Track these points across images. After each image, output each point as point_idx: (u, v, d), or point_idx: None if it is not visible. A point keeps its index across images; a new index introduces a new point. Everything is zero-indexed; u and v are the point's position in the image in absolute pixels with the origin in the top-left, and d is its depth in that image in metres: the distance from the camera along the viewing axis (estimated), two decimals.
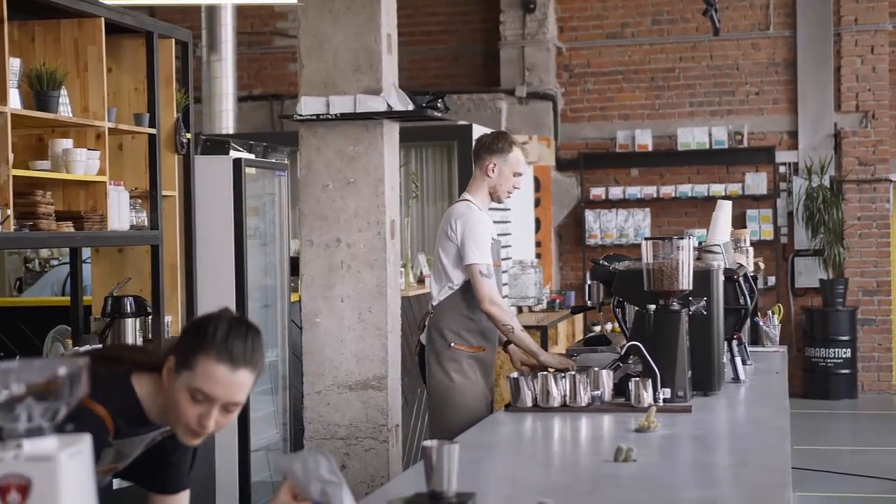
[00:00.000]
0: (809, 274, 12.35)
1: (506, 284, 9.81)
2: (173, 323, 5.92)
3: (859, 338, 12.22)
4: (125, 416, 2.59)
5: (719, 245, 5.12)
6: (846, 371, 12.04)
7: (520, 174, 5.30)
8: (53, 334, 5.90)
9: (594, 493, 2.93)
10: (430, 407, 5.31)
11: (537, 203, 12.28)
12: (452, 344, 5.17)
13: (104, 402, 2.56)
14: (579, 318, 11.36)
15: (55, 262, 8.66)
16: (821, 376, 12.02)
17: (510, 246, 10.63)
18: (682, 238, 4.39)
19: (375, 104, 5.79)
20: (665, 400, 4.18)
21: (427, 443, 2.67)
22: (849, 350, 12.03)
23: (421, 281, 7.81)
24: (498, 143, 5.29)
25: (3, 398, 1.80)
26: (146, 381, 2.63)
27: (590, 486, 3.01)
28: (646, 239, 4.43)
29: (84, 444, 1.83)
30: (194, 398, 2.50)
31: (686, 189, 12.53)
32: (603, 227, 12.75)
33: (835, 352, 12.00)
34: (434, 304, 5.27)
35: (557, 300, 11.33)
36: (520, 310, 10.16)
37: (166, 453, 2.77)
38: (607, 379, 4.28)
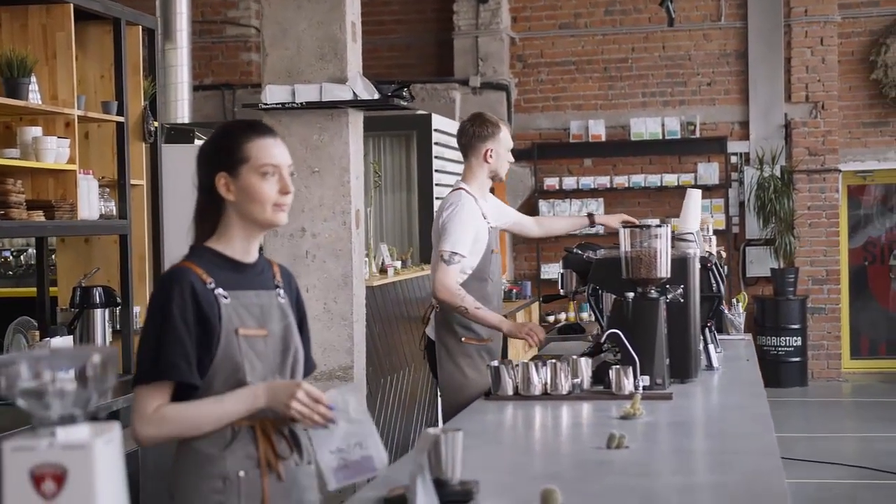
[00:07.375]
0: (761, 263, 12.48)
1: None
2: (142, 314, 5.86)
3: (809, 326, 12.37)
4: (213, 264, 2.82)
5: (692, 233, 5.14)
6: (797, 359, 12.20)
7: (511, 147, 5.47)
8: (15, 326, 5.80)
9: (595, 479, 2.93)
10: (444, 401, 5.28)
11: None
12: (463, 339, 5.14)
13: (188, 260, 2.83)
14: (535, 307, 11.41)
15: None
16: (772, 364, 12.14)
17: None
18: (661, 226, 4.40)
19: (341, 93, 5.76)
20: (644, 387, 4.21)
21: (432, 430, 2.67)
22: (799, 338, 12.18)
23: (383, 271, 7.78)
24: (487, 128, 5.34)
25: (34, 386, 1.78)
26: (212, 239, 2.87)
27: (588, 473, 3.01)
28: (624, 226, 4.45)
29: (115, 432, 1.81)
30: (265, 175, 2.81)
31: (639, 179, 12.59)
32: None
33: (786, 340, 12.15)
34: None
35: (514, 290, 11.38)
36: None
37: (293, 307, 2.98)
38: (586, 367, 4.30)
